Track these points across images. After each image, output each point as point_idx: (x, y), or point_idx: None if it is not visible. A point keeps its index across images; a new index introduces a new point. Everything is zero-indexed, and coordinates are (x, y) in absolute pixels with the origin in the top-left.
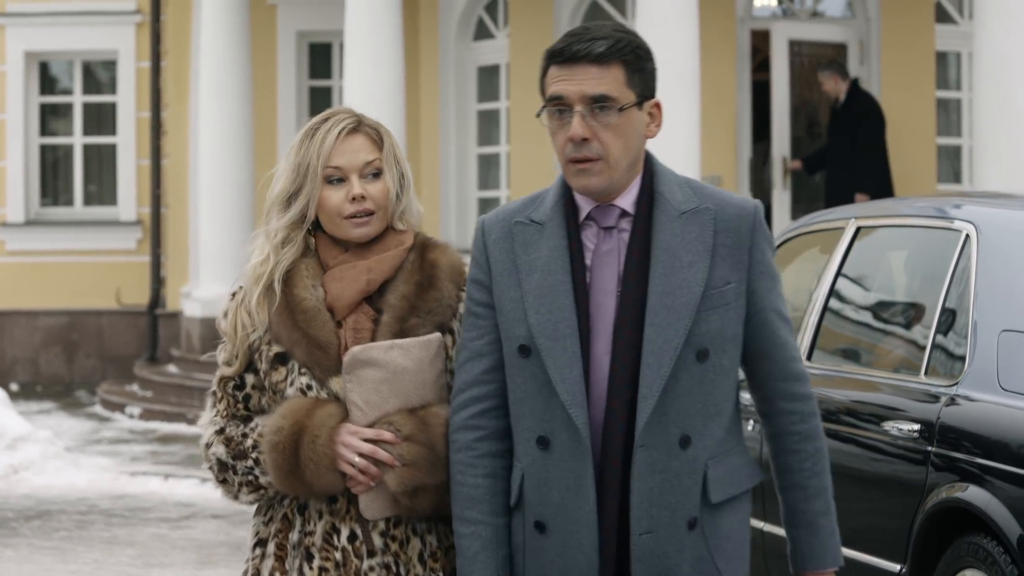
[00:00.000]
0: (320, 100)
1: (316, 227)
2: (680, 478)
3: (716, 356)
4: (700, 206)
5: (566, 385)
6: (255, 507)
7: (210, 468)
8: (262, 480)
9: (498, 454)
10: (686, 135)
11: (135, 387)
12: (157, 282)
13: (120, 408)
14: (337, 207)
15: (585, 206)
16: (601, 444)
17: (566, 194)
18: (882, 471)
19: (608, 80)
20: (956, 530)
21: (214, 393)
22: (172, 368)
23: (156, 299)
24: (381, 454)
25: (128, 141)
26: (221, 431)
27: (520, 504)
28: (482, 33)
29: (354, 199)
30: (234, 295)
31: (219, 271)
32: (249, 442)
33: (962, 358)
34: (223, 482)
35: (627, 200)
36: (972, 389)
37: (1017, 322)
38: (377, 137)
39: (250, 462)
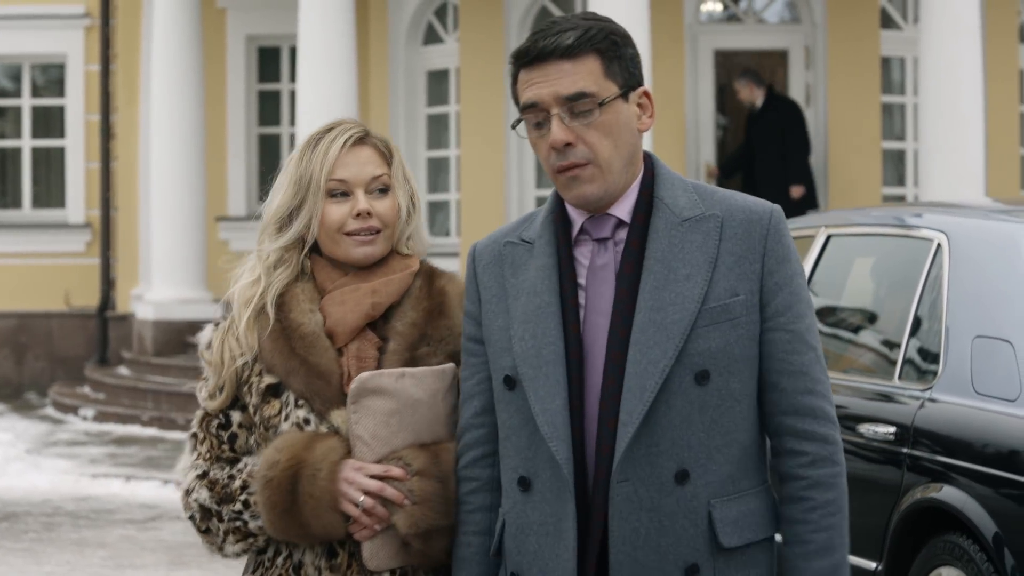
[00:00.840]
0: (269, 104)
1: (312, 249)
2: (674, 518)
3: (722, 378)
4: (705, 213)
5: (547, 417)
6: (242, 562)
7: (191, 517)
8: (252, 525)
9: (492, 507)
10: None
11: (87, 389)
12: (107, 284)
13: (73, 410)
14: (339, 223)
15: (578, 219)
16: (591, 484)
17: (557, 208)
18: (858, 472)
19: (583, 74)
20: (931, 529)
21: (195, 435)
22: (123, 370)
23: (106, 301)
24: (389, 491)
25: (77, 144)
26: (204, 475)
27: (500, 555)
28: (431, 38)
29: (359, 215)
30: (218, 324)
31: (171, 273)
32: (237, 483)
33: (935, 363)
34: (205, 532)
35: (623, 208)
36: (946, 393)
37: (989, 328)
38: (386, 151)
39: (238, 505)
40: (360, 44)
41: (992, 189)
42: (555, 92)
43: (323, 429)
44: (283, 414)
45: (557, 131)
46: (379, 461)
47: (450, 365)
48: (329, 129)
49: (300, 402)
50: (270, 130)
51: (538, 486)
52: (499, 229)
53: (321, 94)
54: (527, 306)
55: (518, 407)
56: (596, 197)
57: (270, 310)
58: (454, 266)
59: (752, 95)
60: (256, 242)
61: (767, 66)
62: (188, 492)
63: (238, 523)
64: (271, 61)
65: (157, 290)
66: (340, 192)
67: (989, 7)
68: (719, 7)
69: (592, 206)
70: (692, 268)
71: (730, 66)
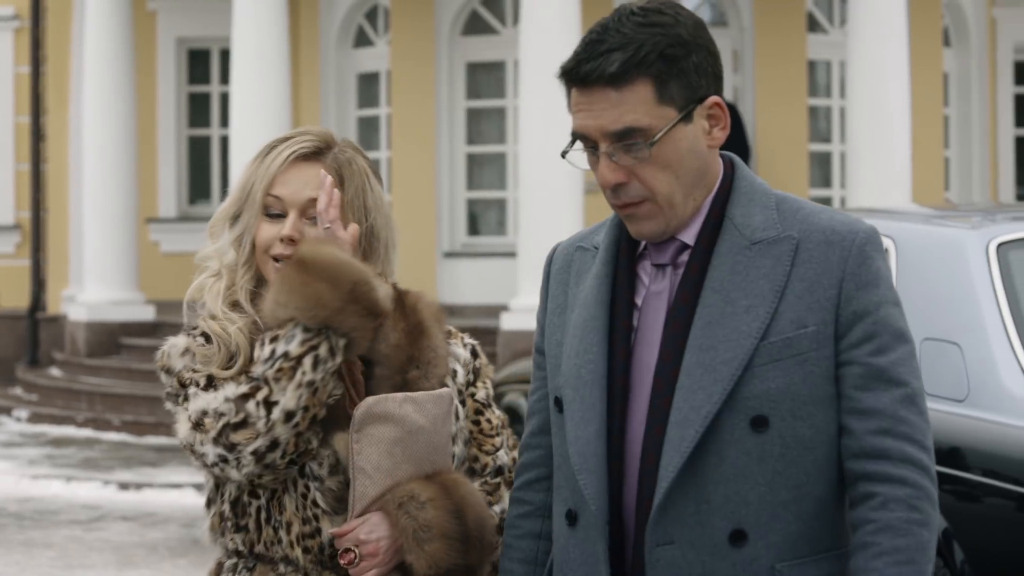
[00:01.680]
0: (198, 106)
1: None
2: None
3: (785, 424)
4: (781, 234)
5: (578, 445)
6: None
7: (219, 434)
8: (292, 347)
9: (542, 535)
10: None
11: (19, 391)
12: (37, 286)
13: (6, 411)
14: (266, 244)
15: None
16: (635, 529)
17: None
18: None
19: (631, 105)
20: None
21: (196, 420)
22: (56, 372)
23: (36, 303)
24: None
25: (6, 146)
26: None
27: None
28: (362, 40)
29: (282, 240)
30: (189, 333)
31: (103, 275)
32: (256, 348)
33: None
34: (242, 424)
35: (691, 231)
36: None
37: (937, 331)
38: (337, 175)
39: (267, 349)
40: (292, 47)
41: (917, 191)
42: (601, 126)
43: (322, 451)
44: None
45: (605, 171)
46: (382, 495)
47: (447, 390)
48: (288, 137)
49: None
50: (200, 132)
51: (582, 522)
52: (583, 230)
53: (254, 96)
54: (578, 319)
55: (564, 432)
56: (658, 233)
57: (248, 308)
58: None
59: None
60: (210, 236)
61: None
62: (211, 412)
63: (278, 360)
64: (200, 63)
65: (89, 292)
66: (275, 212)
67: (914, 11)
68: None
69: (657, 239)
70: (755, 298)
71: None
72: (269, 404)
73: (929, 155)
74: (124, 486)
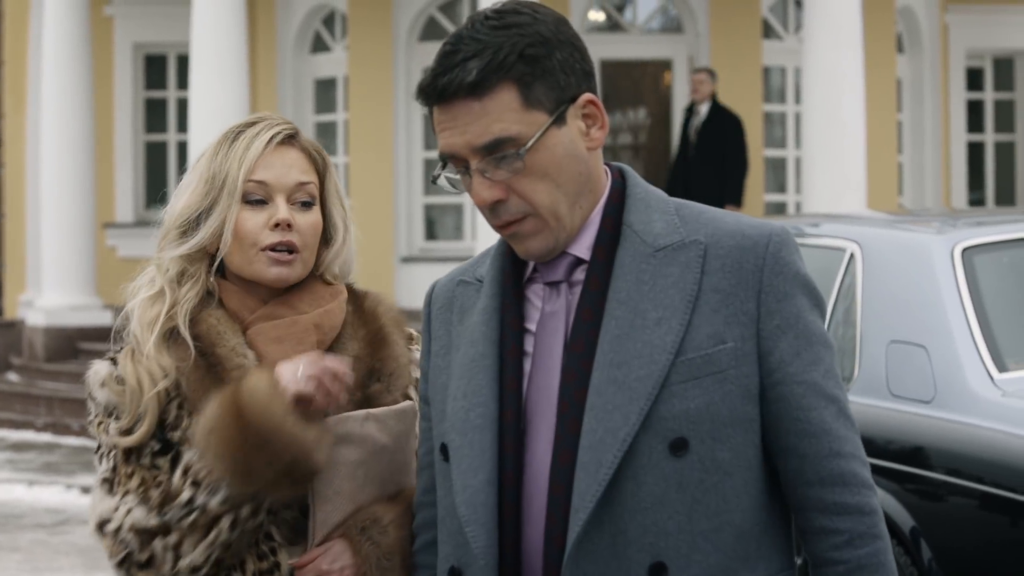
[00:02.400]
0: (155, 111)
1: (216, 271)
2: None
3: (705, 447)
4: (686, 239)
5: (466, 495)
6: None
7: (124, 558)
8: (212, 504)
9: None
10: None
11: None
12: None
13: None
14: (253, 234)
15: None
16: (543, 573)
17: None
18: None
19: (497, 114)
20: None
21: (108, 479)
22: (13, 376)
23: None
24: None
25: None
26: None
27: None
28: (319, 46)
29: (278, 225)
30: (113, 358)
31: (62, 280)
32: (176, 474)
33: (851, 367)
34: (147, 564)
35: (583, 243)
36: (862, 395)
37: (903, 333)
38: (318, 157)
39: (186, 493)
40: (249, 52)
41: (871, 196)
42: (467, 142)
43: None
44: None
45: (479, 190)
46: (344, 520)
47: (410, 404)
48: (252, 123)
49: None
50: (157, 137)
51: None
52: (462, 264)
53: (213, 102)
54: (464, 358)
55: (449, 483)
56: (548, 249)
57: (187, 336)
58: None
59: (709, 93)
60: (155, 250)
61: (651, 75)
62: (117, 531)
63: (194, 513)
64: (157, 69)
65: (47, 296)
66: (257, 198)
67: (867, 17)
68: (602, 16)
69: (547, 257)
70: (665, 310)
71: (614, 75)
72: (177, 552)
73: (883, 160)
74: (87, 490)
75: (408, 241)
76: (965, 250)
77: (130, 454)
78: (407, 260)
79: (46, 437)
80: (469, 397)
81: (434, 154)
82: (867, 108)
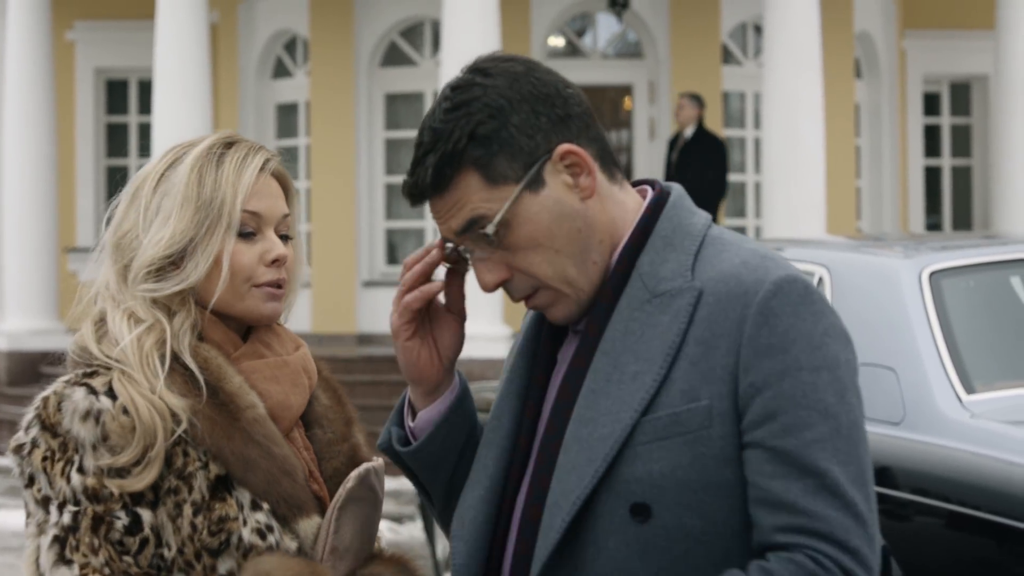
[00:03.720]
0: (117, 136)
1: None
2: None
3: (671, 514)
4: (685, 284)
5: (460, 508)
6: (30, 524)
7: None
8: None
9: None
10: None
11: None
12: None
13: None
14: (248, 269)
15: None
16: None
17: None
18: None
19: (464, 200)
20: None
21: (60, 538)
22: None
23: None
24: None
25: None
26: None
27: None
28: (281, 71)
29: (276, 261)
30: (87, 386)
31: (24, 304)
32: None
33: None
34: None
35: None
36: None
37: (871, 356)
38: (291, 186)
39: None
40: (212, 77)
41: (830, 221)
42: (450, 229)
43: (286, 542)
44: (241, 518)
45: (482, 274)
46: None
47: (380, 460)
48: (229, 143)
49: (258, 503)
50: (118, 162)
51: None
52: None
53: (176, 126)
54: (504, 377)
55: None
56: (571, 315)
57: (197, 372)
58: (304, 300)
59: (691, 118)
60: (105, 281)
61: (611, 100)
62: None
63: None
64: (119, 94)
65: (9, 321)
66: (249, 230)
67: (826, 42)
68: (562, 42)
69: (576, 319)
70: (644, 363)
71: None
72: None
73: (841, 185)
74: None
75: (370, 265)
76: (933, 274)
77: (99, 523)
78: (369, 284)
79: (8, 461)
80: (494, 418)
81: (395, 178)
82: (826, 133)
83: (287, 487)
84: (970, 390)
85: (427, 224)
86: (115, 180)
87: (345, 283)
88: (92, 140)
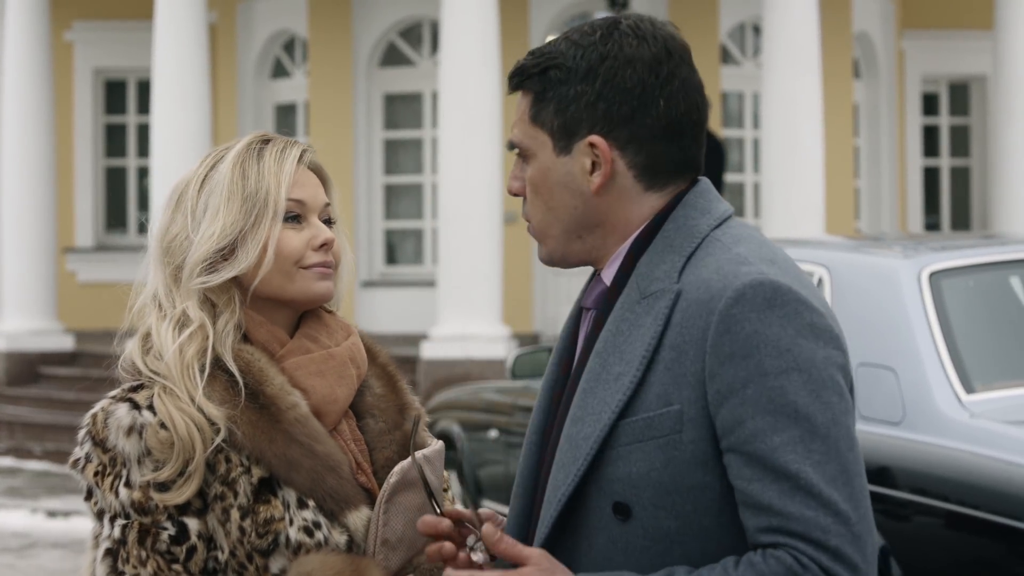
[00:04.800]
0: (115, 136)
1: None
2: None
3: (648, 514)
4: (668, 286)
5: (516, 488)
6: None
7: None
8: None
9: None
10: (488, 174)
11: None
12: None
13: None
14: (297, 253)
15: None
16: None
17: None
18: None
19: (518, 119)
20: None
21: (112, 551)
22: None
23: None
24: None
25: None
26: None
27: None
28: (279, 72)
29: (323, 245)
30: (127, 399)
31: (22, 305)
32: None
33: None
34: None
35: (610, 272)
36: None
37: (871, 356)
38: (328, 178)
39: None
40: (210, 77)
41: (830, 221)
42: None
43: (335, 536)
44: (287, 517)
45: (510, 180)
46: (402, 567)
47: (440, 442)
48: (265, 140)
49: (304, 501)
50: (116, 162)
51: None
52: None
53: (175, 127)
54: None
55: None
56: (545, 261)
57: (238, 377)
58: None
59: None
60: (152, 291)
61: None
62: None
63: None
64: (117, 94)
65: (8, 321)
66: (294, 216)
67: (825, 43)
68: None
69: (548, 264)
70: (626, 365)
71: None
72: None
73: (840, 185)
74: (52, 514)
75: (369, 266)
76: (932, 274)
77: (145, 535)
78: (368, 284)
79: (8, 461)
80: (535, 408)
81: (393, 179)
82: (825, 133)
83: (332, 483)
84: (969, 390)
85: (426, 224)
86: (113, 180)
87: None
88: (91, 140)
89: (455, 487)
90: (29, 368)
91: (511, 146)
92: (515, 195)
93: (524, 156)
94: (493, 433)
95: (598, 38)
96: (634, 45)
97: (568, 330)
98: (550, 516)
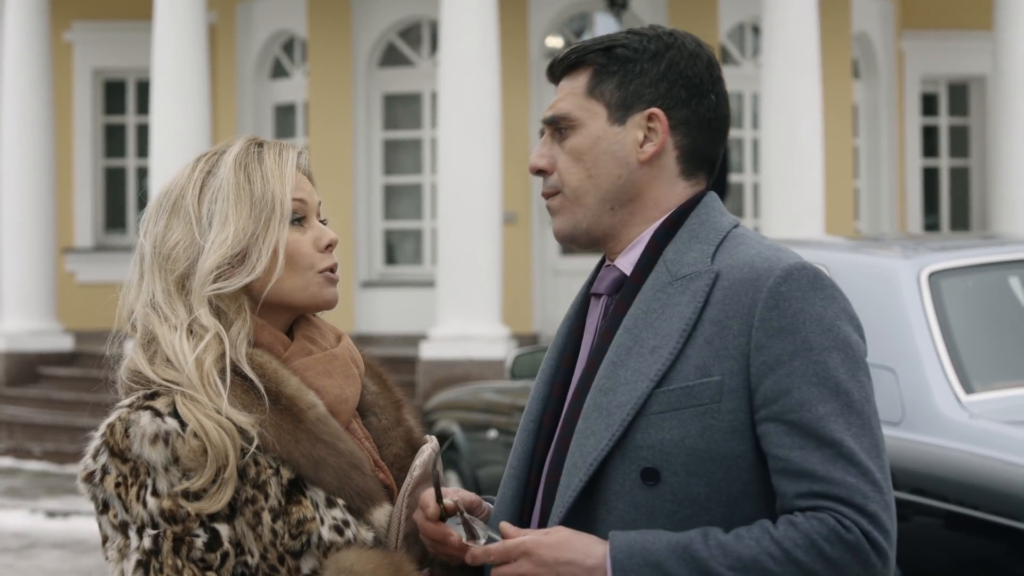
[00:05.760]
0: (114, 137)
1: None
2: None
3: (678, 479)
4: (704, 269)
5: (508, 469)
6: (111, 548)
7: None
8: None
9: None
10: (488, 174)
11: None
12: None
13: None
14: (309, 256)
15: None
16: None
17: None
18: None
19: (567, 93)
20: None
21: (143, 562)
22: None
23: None
24: None
25: None
26: None
27: None
28: (279, 72)
29: (329, 246)
30: (152, 409)
31: (22, 305)
32: None
33: None
34: None
35: (627, 259)
36: None
37: (870, 356)
38: (312, 180)
39: None
40: (210, 77)
41: (829, 222)
42: (544, 115)
43: (365, 534)
44: (318, 517)
45: (533, 156)
46: (419, 562)
47: (434, 438)
48: (259, 143)
49: (332, 500)
50: (116, 163)
51: None
52: None
53: (174, 127)
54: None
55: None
56: (568, 230)
57: (258, 383)
58: None
59: None
60: (148, 299)
61: None
62: None
63: None
64: (117, 94)
65: (8, 322)
66: (298, 217)
67: (824, 43)
68: (560, 42)
69: (566, 243)
70: (662, 338)
71: None
72: None
73: (839, 185)
74: (52, 514)
75: (368, 266)
76: (932, 275)
77: (180, 544)
78: (367, 285)
79: (7, 462)
80: (527, 409)
81: (392, 179)
82: (824, 133)
83: (358, 480)
84: (969, 390)
85: (425, 225)
86: (113, 181)
87: (343, 283)
88: (90, 140)
89: (455, 487)
90: (28, 368)
91: (552, 120)
92: (538, 172)
93: (567, 128)
94: (493, 433)
95: (662, 32)
96: (693, 46)
97: (571, 321)
98: (579, 481)
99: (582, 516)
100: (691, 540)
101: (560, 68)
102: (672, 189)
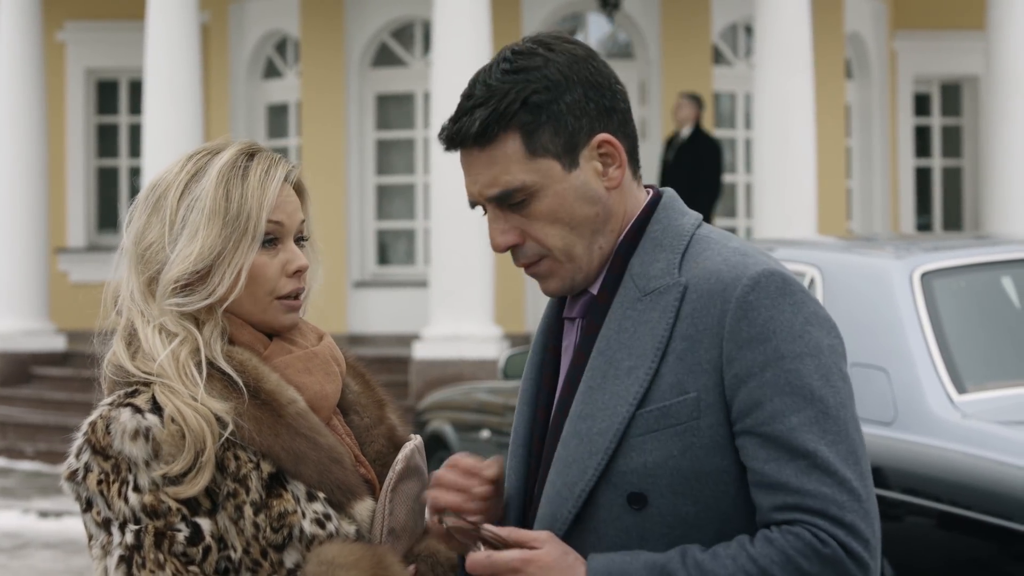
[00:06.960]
0: (107, 137)
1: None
2: None
3: (665, 501)
4: (671, 281)
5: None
6: (94, 546)
7: None
8: None
9: None
10: None
11: None
12: None
13: None
14: (272, 281)
15: None
16: None
17: None
18: None
19: (503, 165)
20: None
21: (126, 558)
22: None
23: None
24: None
25: None
26: None
27: None
28: (271, 72)
29: (298, 272)
30: (126, 403)
31: (14, 305)
32: None
33: None
34: None
35: (598, 283)
36: None
37: (862, 356)
38: (303, 192)
39: None
40: (202, 77)
41: (822, 222)
42: (479, 191)
43: (347, 528)
44: (299, 510)
45: (494, 235)
46: (404, 557)
47: (418, 436)
48: (249, 155)
49: (313, 494)
50: (108, 162)
51: None
52: None
53: (166, 127)
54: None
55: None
56: (565, 288)
57: (234, 375)
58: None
59: (689, 118)
60: (129, 292)
61: None
62: None
63: None
64: (109, 94)
65: (1, 322)
66: (271, 239)
67: (817, 43)
68: None
69: (567, 295)
70: (637, 358)
71: None
72: None
73: (832, 186)
74: (44, 514)
75: (361, 266)
76: (924, 275)
77: (162, 538)
78: (360, 285)
79: (0, 462)
80: (513, 429)
81: (385, 179)
82: (817, 133)
83: (338, 474)
84: (961, 390)
85: (418, 225)
86: (105, 181)
87: (335, 284)
88: (82, 140)
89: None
90: (21, 368)
91: (503, 196)
92: (506, 249)
93: (523, 199)
94: (485, 433)
95: (541, 52)
96: (569, 48)
97: (546, 342)
98: (568, 512)
99: (574, 546)
100: (668, 560)
101: (474, 141)
102: (635, 197)
